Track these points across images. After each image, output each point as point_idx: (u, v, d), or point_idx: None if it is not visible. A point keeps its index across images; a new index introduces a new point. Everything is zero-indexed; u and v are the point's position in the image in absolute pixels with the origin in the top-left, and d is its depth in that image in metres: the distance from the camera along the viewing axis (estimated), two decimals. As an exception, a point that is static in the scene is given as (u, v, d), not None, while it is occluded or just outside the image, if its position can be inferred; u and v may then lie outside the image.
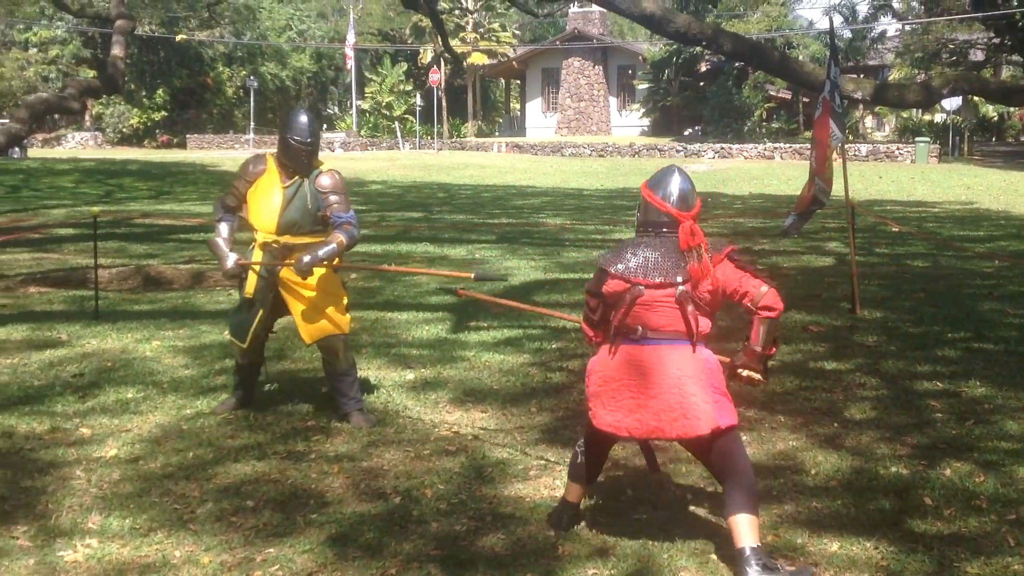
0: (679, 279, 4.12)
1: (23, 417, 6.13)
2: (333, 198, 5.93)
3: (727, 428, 4.12)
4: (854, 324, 8.88)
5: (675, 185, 4.26)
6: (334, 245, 5.84)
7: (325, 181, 5.95)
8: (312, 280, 5.91)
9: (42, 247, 14.15)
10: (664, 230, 4.22)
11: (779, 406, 6.39)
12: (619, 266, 4.20)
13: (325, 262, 5.85)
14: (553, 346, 8.07)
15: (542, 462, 5.40)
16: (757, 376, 4.30)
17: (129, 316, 9.21)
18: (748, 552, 3.94)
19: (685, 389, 4.05)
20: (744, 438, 5.71)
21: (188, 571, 4.13)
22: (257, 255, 6.01)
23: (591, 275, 4.46)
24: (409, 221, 18.40)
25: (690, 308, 4.10)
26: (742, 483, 4.09)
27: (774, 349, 4.27)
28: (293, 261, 5.82)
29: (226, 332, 6.47)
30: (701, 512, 4.72)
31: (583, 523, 4.58)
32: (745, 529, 3.99)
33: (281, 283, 5.96)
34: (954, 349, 7.95)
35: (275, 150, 6.07)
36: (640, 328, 4.13)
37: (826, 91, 9.23)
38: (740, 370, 4.30)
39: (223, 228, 6.13)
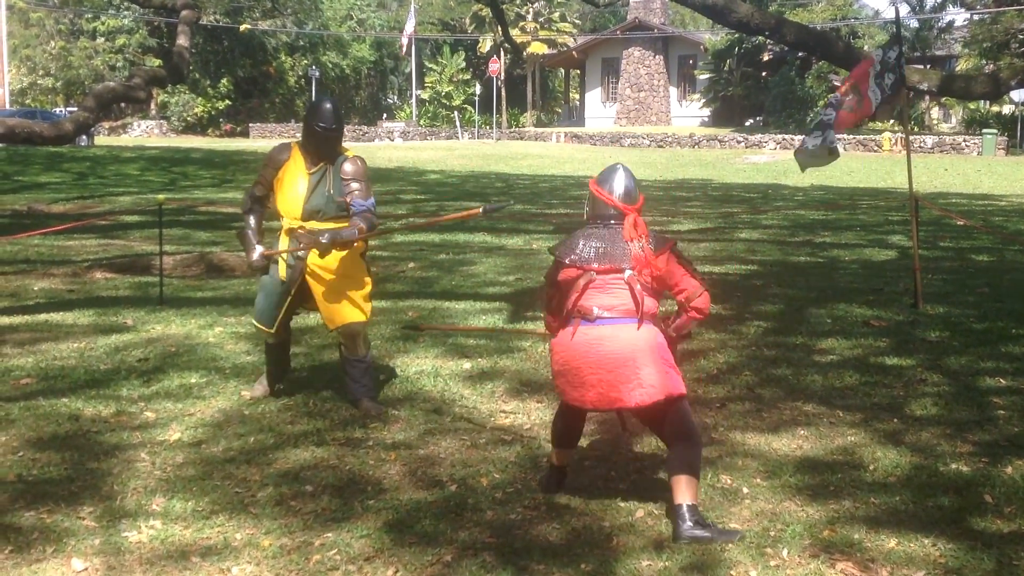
0: (625, 265, 4.48)
1: (89, 400, 6.27)
2: (355, 185, 5.98)
3: (678, 396, 4.45)
4: (916, 319, 8.76)
5: (619, 181, 4.65)
6: (354, 230, 5.90)
7: (348, 168, 6.01)
8: (338, 267, 5.99)
9: (108, 233, 14.43)
10: (612, 222, 4.59)
11: (838, 401, 6.34)
12: (572, 256, 4.57)
13: (339, 245, 5.89)
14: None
15: (597, 453, 5.41)
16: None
17: (192, 302, 9.37)
18: (684, 508, 4.31)
19: (638, 361, 4.39)
20: (802, 432, 5.70)
21: (248, 554, 4.21)
22: (283, 241, 6.11)
23: None
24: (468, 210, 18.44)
25: (637, 288, 4.45)
26: (689, 447, 4.45)
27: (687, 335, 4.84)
28: (314, 243, 5.90)
29: (252, 319, 6.56)
30: (757, 507, 4.70)
31: (640, 513, 4.59)
32: (684, 488, 4.35)
33: (308, 270, 6.03)
34: (1019, 345, 7.81)
35: (299, 137, 6.15)
36: (595, 308, 4.47)
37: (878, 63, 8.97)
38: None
39: (251, 220, 6.27)
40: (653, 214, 18.25)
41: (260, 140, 50.75)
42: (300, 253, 6.01)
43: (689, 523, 4.27)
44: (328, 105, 6.05)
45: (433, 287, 10.30)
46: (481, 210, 6.33)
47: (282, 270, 6.11)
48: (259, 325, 6.28)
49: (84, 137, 35.70)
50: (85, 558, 4.14)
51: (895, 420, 5.95)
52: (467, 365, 7.21)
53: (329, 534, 4.40)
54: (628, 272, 4.47)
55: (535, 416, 6.07)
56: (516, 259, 12.32)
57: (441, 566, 4.11)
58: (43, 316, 8.63)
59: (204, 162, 30.64)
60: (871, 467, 5.20)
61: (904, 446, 5.49)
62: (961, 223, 15.14)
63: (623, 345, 4.42)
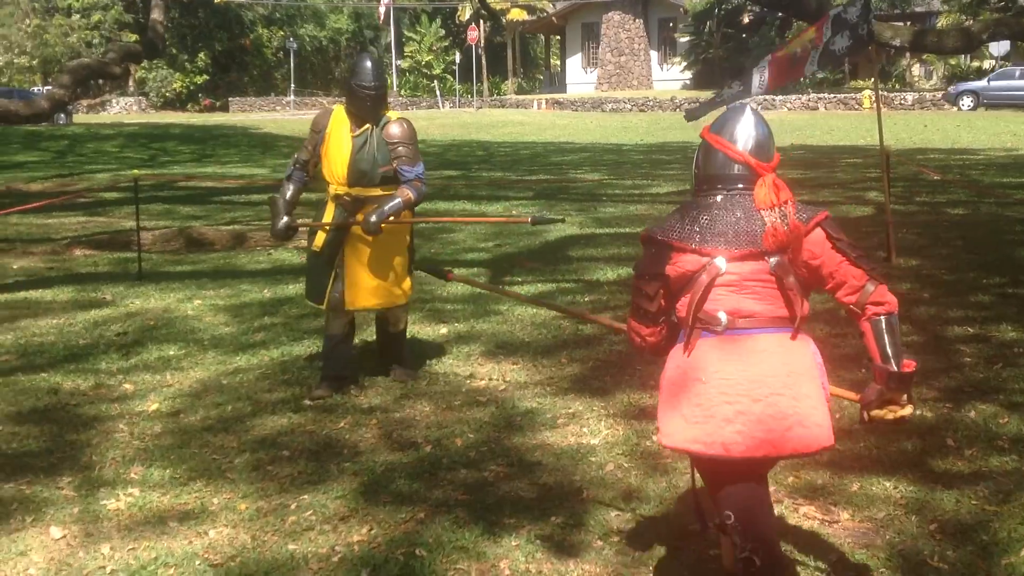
0: (765, 248, 3.09)
1: (68, 375, 6.33)
2: (401, 149, 5.71)
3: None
4: (888, 272, 8.84)
5: (749, 127, 3.18)
6: (399, 200, 5.64)
7: (394, 130, 5.72)
8: (380, 241, 5.74)
9: (88, 211, 14.40)
10: (739, 186, 3.15)
11: (808, 354, 6.42)
12: (687, 236, 3.12)
13: (392, 217, 5.68)
14: (586, 299, 8.15)
15: (570, 411, 5.50)
16: (902, 411, 3.21)
17: (171, 276, 9.41)
18: None
19: (800, 390, 3.05)
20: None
21: (225, 517, 4.29)
22: (330, 209, 5.83)
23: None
24: (447, 179, 18.46)
25: (790, 279, 3.09)
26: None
27: (912, 364, 3.18)
28: (361, 219, 5.65)
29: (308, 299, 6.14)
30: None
31: (609, 467, 4.68)
32: None
33: (348, 242, 5.76)
34: (987, 295, 7.93)
35: (344, 102, 5.85)
36: (725, 316, 3.09)
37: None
38: (876, 411, 3.20)
39: (288, 187, 5.95)
40: (633, 177, 18.32)
41: (240, 114, 50.49)
42: (341, 222, 5.75)
43: None
44: (368, 63, 5.75)
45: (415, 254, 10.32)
46: (529, 220, 6.02)
47: (319, 240, 5.81)
48: (309, 302, 6.11)
49: (62, 115, 35.51)
50: (64, 526, 4.21)
51: (862, 371, 6.03)
52: (444, 330, 7.29)
53: (305, 496, 4.48)
54: (774, 259, 3.08)
55: (510, 377, 6.16)
56: (495, 226, 12.35)
57: (415, 523, 4.20)
58: (23, 294, 8.66)
59: (184, 137, 30.49)
60: (837, 415, 5.21)
61: (871, 395, 5.58)
62: (936, 178, 15.22)
63: (775, 364, 3.05)
